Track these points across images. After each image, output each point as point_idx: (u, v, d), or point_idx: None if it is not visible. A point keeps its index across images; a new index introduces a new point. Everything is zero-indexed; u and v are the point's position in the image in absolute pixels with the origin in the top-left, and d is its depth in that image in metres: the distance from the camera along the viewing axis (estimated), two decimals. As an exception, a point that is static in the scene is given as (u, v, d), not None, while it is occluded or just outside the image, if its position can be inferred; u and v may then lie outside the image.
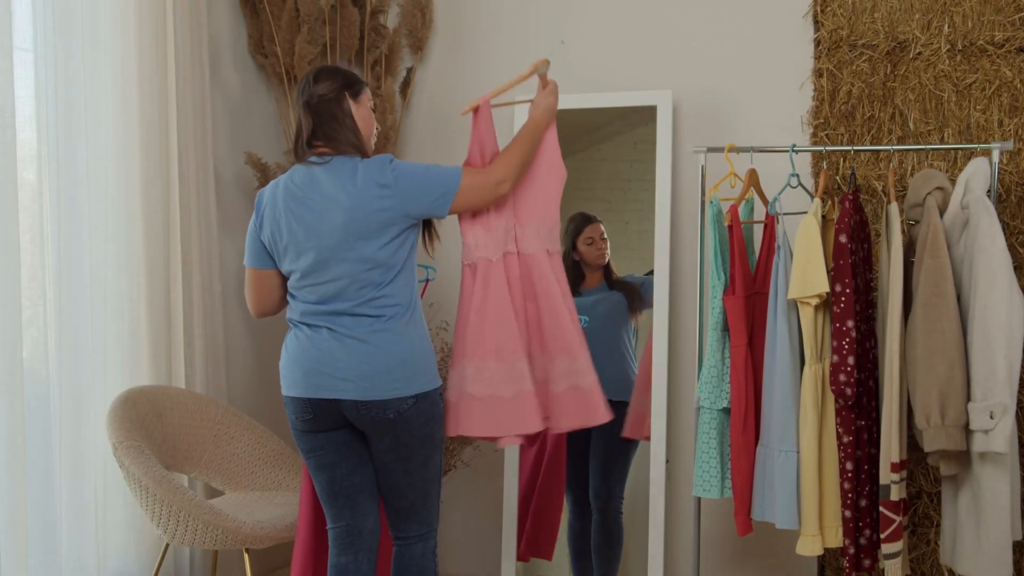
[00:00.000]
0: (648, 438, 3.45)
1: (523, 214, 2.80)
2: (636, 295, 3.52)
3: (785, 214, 2.95)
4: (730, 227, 2.96)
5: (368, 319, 2.57)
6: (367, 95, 2.71)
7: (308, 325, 2.61)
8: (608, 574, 3.52)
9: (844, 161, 3.37)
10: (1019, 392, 2.98)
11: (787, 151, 3.06)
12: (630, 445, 3.52)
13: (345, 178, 2.56)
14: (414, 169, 2.60)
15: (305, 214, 2.58)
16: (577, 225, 3.56)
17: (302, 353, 2.61)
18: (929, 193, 2.80)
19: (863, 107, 3.34)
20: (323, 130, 2.61)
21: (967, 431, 2.68)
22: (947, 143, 3.27)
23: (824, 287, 2.76)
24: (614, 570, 3.53)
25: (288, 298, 2.69)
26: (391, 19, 3.86)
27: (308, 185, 2.59)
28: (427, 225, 2.71)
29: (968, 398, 2.68)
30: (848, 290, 2.76)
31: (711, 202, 3.01)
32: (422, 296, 3.23)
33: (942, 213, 2.79)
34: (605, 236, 3.56)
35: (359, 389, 2.55)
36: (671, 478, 3.54)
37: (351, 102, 2.64)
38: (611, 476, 3.52)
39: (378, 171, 2.56)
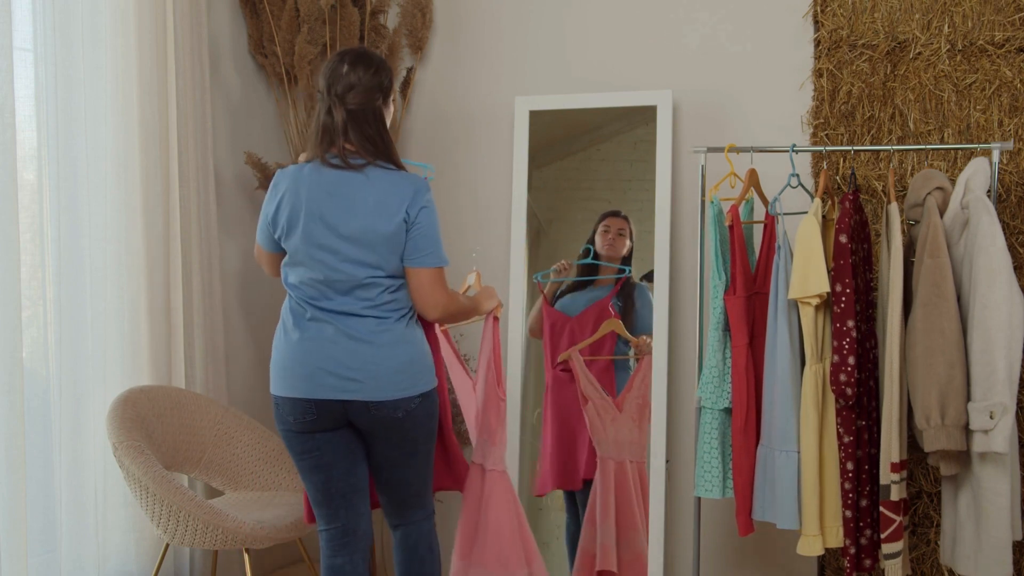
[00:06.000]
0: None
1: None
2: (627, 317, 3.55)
3: (785, 214, 2.95)
4: (731, 227, 2.96)
5: (374, 320, 2.59)
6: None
7: (313, 322, 2.59)
8: None
9: (844, 161, 3.36)
10: (1019, 392, 2.98)
11: (787, 151, 3.06)
12: None
13: (385, 189, 2.57)
14: (430, 221, 2.62)
15: (331, 216, 2.55)
16: (601, 216, 3.60)
17: (304, 354, 2.58)
18: (929, 193, 2.80)
19: (863, 107, 3.34)
20: (360, 135, 2.60)
21: (967, 431, 2.67)
22: (947, 143, 3.26)
23: (824, 287, 2.76)
24: None
25: (290, 291, 2.65)
26: (391, 19, 3.86)
27: (342, 186, 2.57)
28: None
29: (968, 398, 2.67)
30: (848, 290, 2.76)
31: (712, 202, 3.01)
32: None
33: (942, 213, 2.79)
34: (623, 233, 3.58)
35: (370, 390, 2.57)
36: (671, 478, 3.53)
37: (384, 106, 2.66)
38: None
39: (411, 198, 2.58)
